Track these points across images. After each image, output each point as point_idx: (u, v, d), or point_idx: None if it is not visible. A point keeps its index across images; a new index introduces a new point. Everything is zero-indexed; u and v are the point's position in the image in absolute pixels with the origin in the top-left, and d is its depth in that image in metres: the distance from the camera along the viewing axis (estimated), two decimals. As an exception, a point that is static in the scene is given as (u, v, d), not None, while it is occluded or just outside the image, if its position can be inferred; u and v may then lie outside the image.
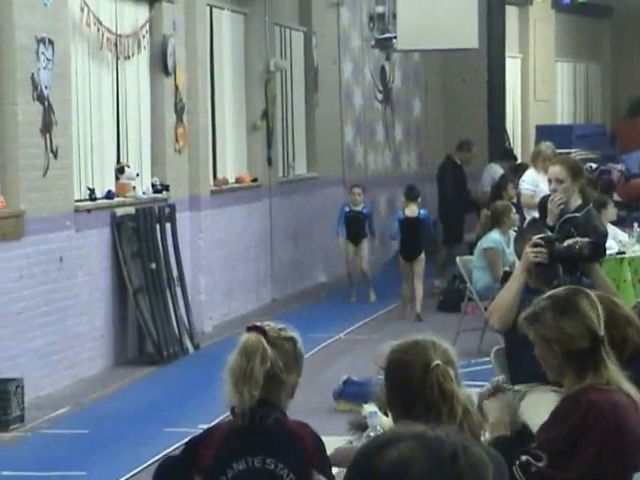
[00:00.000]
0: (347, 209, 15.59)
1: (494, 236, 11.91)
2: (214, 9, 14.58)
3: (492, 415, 4.11)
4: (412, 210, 14.92)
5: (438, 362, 3.62)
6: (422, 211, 15.38)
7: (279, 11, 16.35)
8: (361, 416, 7.42)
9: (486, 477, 1.85)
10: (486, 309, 11.66)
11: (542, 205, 8.11)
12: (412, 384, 3.70)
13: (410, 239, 15.41)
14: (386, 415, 4.70)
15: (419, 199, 15.48)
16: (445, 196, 17.96)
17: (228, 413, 4.45)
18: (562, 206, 7.52)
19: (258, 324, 4.48)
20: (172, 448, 7.77)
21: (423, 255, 15.53)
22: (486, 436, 3.89)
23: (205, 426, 5.04)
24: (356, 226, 15.62)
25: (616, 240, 11.77)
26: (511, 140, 21.72)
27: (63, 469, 9.23)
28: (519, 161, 18.40)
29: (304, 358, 4.61)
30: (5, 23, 10.71)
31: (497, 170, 16.79)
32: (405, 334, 4.04)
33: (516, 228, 11.56)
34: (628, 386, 3.99)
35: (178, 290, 13.74)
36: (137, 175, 13.50)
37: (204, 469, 4.36)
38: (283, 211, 16.40)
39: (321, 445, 4.49)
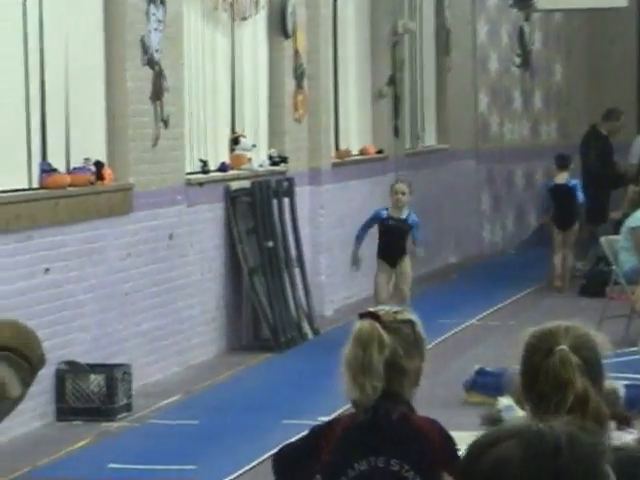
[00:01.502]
0: (384, 214, 11.82)
1: (644, 214, 11.63)
2: (338, -34, 14.27)
3: None
4: (562, 178, 14.56)
5: (562, 347, 3.24)
6: (573, 181, 14.88)
7: (408, -32, 16.23)
8: (495, 409, 8.22)
9: (596, 467, 1.77)
10: (633, 293, 11.70)
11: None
12: (534, 371, 3.37)
13: (563, 207, 15.02)
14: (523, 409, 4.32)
15: (570, 167, 14.87)
16: (589, 170, 17.11)
17: (350, 405, 4.20)
18: None
19: (371, 310, 4.27)
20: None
21: (577, 225, 15.13)
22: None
23: (325, 418, 4.99)
24: (396, 240, 11.82)
25: None
26: (662, 108, 21.37)
27: (172, 462, 9.01)
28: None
29: (428, 342, 4.34)
30: (115, -18, 10.76)
31: (649, 142, 16.24)
32: (543, 319, 3.67)
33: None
34: None
35: (296, 271, 13.37)
36: (253, 146, 13.09)
37: (322, 465, 4.16)
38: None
39: (450, 443, 4.24)
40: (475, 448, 1.77)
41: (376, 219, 11.62)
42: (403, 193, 11.35)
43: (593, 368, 3.28)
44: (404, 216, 11.50)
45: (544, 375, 3.24)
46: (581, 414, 3.11)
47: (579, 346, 3.32)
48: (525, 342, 3.39)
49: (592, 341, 3.35)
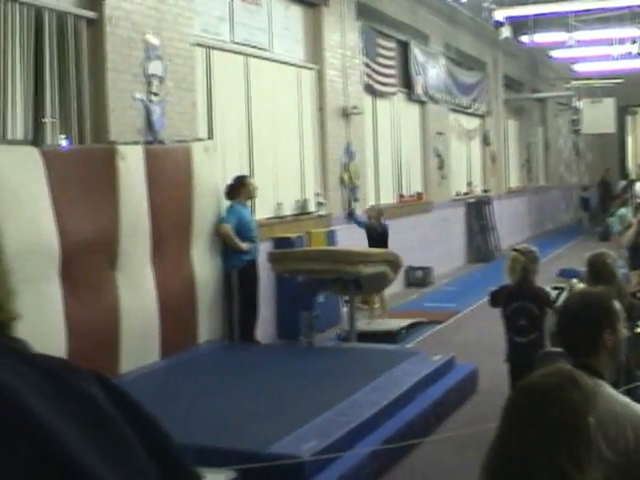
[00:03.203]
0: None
1: None
2: None
3: None
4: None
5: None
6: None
7: None
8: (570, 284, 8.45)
9: (604, 304, 3.30)
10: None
11: None
12: (594, 271, 6.35)
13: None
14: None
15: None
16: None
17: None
18: None
19: (516, 247, 7.44)
20: None
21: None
22: None
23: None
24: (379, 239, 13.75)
25: None
26: None
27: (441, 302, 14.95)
28: None
29: (542, 259, 7.34)
30: None
31: None
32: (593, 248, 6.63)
33: None
34: None
35: (492, 230, 22.08)
36: (472, 185, 22.69)
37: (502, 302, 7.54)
38: None
39: (548, 296, 7.21)
40: (566, 301, 3.71)
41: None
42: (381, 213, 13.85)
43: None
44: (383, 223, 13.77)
45: (597, 272, 6.09)
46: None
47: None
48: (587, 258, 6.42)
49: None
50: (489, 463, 2.60)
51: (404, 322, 12.87)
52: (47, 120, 8.86)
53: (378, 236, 13.27)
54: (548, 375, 2.64)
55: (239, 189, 10.91)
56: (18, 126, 8.47)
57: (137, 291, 9.18)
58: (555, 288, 8.45)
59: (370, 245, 13.19)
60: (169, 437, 0.80)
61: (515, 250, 7.60)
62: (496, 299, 7.68)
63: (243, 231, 10.71)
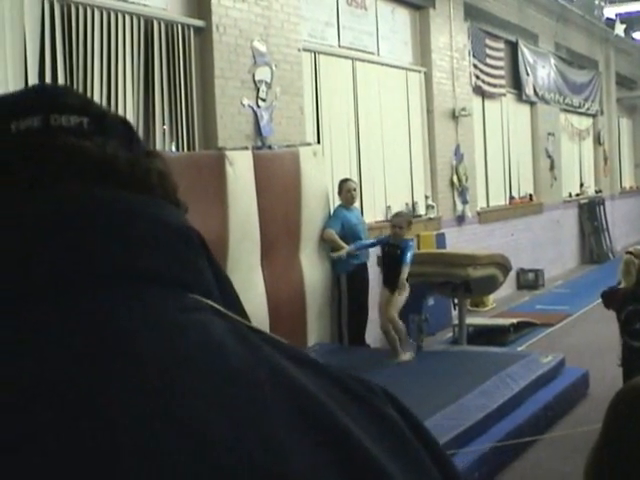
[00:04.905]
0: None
1: None
2: None
3: None
4: None
5: None
6: None
7: None
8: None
9: None
10: None
11: None
12: None
13: None
14: None
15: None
16: None
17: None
18: None
19: (629, 249, 7.42)
20: None
21: None
22: None
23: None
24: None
25: None
26: None
27: (557, 304, 15.28)
28: None
29: None
30: None
31: None
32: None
33: None
34: None
35: (605, 232, 21.60)
36: (585, 186, 22.49)
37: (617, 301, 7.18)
38: None
39: None
40: None
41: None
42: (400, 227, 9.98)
43: None
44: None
45: None
46: None
47: None
48: None
49: None
50: (592, 464, 2.58)
51: (515, 320, 12.83)
52: (157, 127, 9.03)
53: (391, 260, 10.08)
54: None
55: (339, 193, 10.96)
56: (129, 134, 8.62)
57: (247, 295, 9.20)
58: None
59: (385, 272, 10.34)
60: (453, 464, 0.79)
61: (628, 252, 7.49)
62: (609, 300, 7.52)
63: (350, 234, 10.68)
